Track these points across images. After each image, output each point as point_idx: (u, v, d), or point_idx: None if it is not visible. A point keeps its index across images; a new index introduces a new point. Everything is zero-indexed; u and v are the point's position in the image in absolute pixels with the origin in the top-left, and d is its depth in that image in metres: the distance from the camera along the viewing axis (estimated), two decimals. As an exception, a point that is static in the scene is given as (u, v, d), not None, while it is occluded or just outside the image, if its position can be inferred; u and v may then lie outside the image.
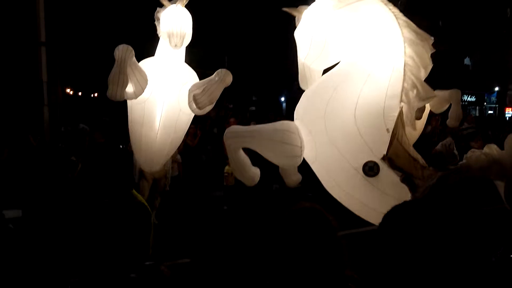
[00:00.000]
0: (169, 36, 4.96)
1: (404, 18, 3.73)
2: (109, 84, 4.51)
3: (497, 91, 25.52)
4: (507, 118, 21.64)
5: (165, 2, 5.02)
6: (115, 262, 1.72)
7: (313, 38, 3.83)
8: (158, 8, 5.19)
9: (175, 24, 4.97)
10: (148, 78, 4.79)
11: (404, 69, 3.60)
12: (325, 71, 4.05)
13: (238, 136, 3.85)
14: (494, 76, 24.64)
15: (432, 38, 3.72)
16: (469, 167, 3.20)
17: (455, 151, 3.91)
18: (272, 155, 3.80)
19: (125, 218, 2.61)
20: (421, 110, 3.91)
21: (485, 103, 27.28)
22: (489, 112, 26.20)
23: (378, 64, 3.67)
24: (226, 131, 3.90)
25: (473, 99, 26.49)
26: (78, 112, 13.07)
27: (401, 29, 3.68)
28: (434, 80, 4.37)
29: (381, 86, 3.60)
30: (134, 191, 2.97)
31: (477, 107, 26.83)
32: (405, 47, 3.65)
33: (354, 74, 3.70)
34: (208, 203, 9.07)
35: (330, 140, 3.59)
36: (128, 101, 5.06)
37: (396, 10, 3.76)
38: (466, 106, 24.97)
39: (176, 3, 5.03)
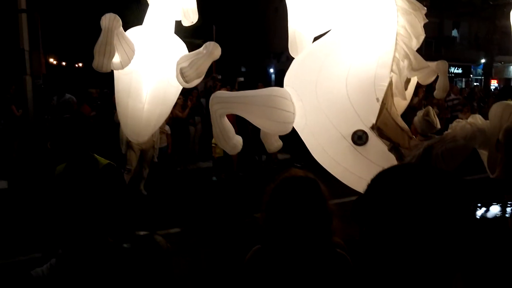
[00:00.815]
0: (185, 13, 4.92)
1: None
2: (95, 55, 4.40)
3: (483, 63, 25.67)
4: (492, 90, 21.85)
5: None
6: (102, 231, 1.70)
7: (304, 3, 3.79)
8: None
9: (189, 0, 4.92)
10: (136, 48, 4.71)
11: (396, 39, 3.58)
12: (315, 39, 4.03)
13: (225, 101, 3.76)
14: (480, 48, 24.73)
15: (425, 8, 3.70)
16: (454, 137, 3.25)
17: (434, 119, 3.97)
18: (262, 121, 3.76)
19: (92, 182, 2.63)
20: (407, 81, 3.92)
21: (471, 75, 27.45)
22: (475, 84, 26.39)
23: (370, 33, 3.64)
24: (212, 95, 3.80)
25: (460, 71, 26.63)
26: (63, 82, 12.79)
27: None
28: (421, 51, 4.38)
29: (372, 54, 3.58)
30: (96, 155, 3.01)
31: (463, 79, 26.99)
32: (398, 16, 3.62)
33: (346, 42, 3.67)
34: (197, 174, 9.13)
35: (321, 107, 3.57)
36: (114, 71, 4.98)
37: None
38: (452, 78, 25.12)
39: None
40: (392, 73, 3.53)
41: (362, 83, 3.53)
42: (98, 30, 4.41)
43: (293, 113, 3.65)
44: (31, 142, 8.54)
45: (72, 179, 2.84)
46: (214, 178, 8.53)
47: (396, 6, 3.63)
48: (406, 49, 3.55)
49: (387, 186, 0.90)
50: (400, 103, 3.98)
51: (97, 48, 4.38)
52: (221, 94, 3.86)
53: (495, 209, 1.65)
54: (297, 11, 3.89)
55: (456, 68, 25.98)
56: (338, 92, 3.53)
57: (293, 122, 3.68)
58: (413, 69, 3.55)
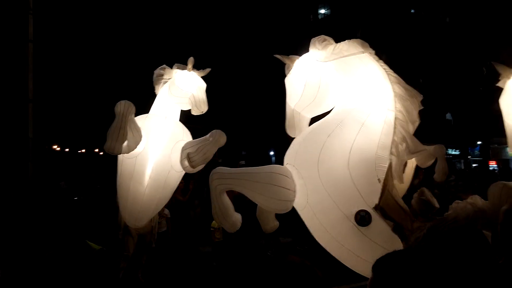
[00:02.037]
0: (196, 102, 5.18)
1: (395, 74, 3.91)
2: (108, 138, 4.58)
3: (480, 144, 26.13)
4: (494, 171, 21.95)
5: (189, 65, 5.29)
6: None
7: (306, 86, 3.98)
8: (164, 67, 5.40)
9: (199, 90, 5.23)
10: (143, 133, 4.88)
11: (395, 123, 3.72)
12: (313, 120, 4.15)
13: (225, 177, 3.78)
14: (475, 130, 25.32)
15: (421, 95, 3.88)
16: (456, 217, 3.23)
17: (430, 198, 4.00)
18: (262, 198, 3.74)
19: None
20: (405, 163, 3.98)
21: (469, 157, 27.77)
22: (474, 165, 26.60)
23: (371, 115, 3.79)
24: (212, 171, 3.81)
25: (458, 152, 27.01)
26: (63, 168, 12.95)
27: (391, 85, 3.84)
28: (418, 135, 4.53)
29: (373, 136, 3.69)
30: (88, 241, 2.96)
31: (462, 160, 27.26)
32: (395, 101, 3.79)
33: (349, 122, 3.79)
34: (197, 259, 8.84)
35: (323, 186, 3.58)
36: (119, 155, 5.09)
37: (387, 67, 3.94)
38: (451, 159, 25.39)
39: (189, 69, 5.29)
40: (391, 155, 3.60)
41: (364, 163, 3.59)
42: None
43: (294, 191, 3.66)
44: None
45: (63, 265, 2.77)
46: (214, 264, 8.25)
47: (393, 92, 3.82)
48: (404, 133, 3.67)
49: (390, 272, 0.89)
50: (401, 186, 4.00)
51: (111, 131, 4.58)
52: (222, 170, 3.87)
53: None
54: (295, 93, 4.07)
55: (454, 150, 26.39)
56: (341, 172, 3.57)
57: (293, 200, 3.68)
58: (410, 152, 3.64)
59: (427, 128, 7.07)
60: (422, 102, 3.88)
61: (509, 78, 4.24)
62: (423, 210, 3.90)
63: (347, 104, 3.95)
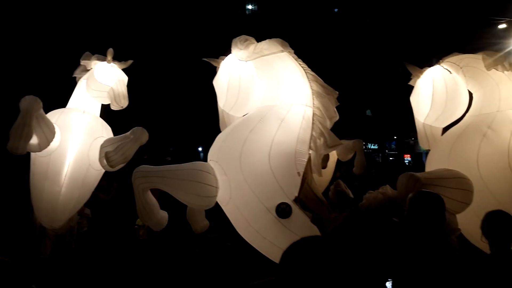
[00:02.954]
0: (115, 97, 4.87)
1: (312, 73, 4.10)
2: (10, 136, 4.21)
3: (396, 139, 28.00)
4: (407, 164, 23.63)
5: (108, 57, 4.98)
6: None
7: (229, 87, 4.11)
8: (87, 55, 5.08)
9: (119, 84, 4.93)
10: (57, 130, 4.57)
11: (313, 119, 3.89)
12: None
13: (148, 176, 3.73)
14: (392, 126, 27.08)
15: (337, 92, 4.07)
16: (369, 206, 3.49)
17: (344, 189, 4.29)
18: (185, 195, 3.75)
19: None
20: (326, 159, 4.18)
21: (386, 151, 29.65)
22: (391, 158, 28.44)
23: (291, 111, 3.92)
24: (135, 170, 3.76)
25: (376, 146, 28.72)
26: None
27: (309, 82, 4.02)
28: (341, 130, 4.75)
29: (293, 131, 3.81)
30: None
31: (380, 154, 29.03)
32: (313, 98, 3.97)
33: (269, 118, 3.90)
34: (121, 259, 8.53)
35: (245, 180, 3.66)
36: (31, 153, 4.71)
37: (305, 66, 4.12)
38: (371, 153, 26.93)
39: (108, 61, 4.99)
40: (310, 150, 3.77)
41: (285, 157, 3.70)
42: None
43: (216, 187, 3.71)
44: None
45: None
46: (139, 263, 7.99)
47: (311, 90, 4.00)
48: (321, 128, 3.85)
49: (299, 258, 0.93)
50: (323, 179, 4.19)
51: (14, 130, 4.21)
52: (144, 168, 3.82)
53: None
54: (222, 94, 4.15)
55: (373, 144, 28.02)
56: (262, 166, 3.66)
57: (215, 196, 3.73)
58: (328, 146, 3.80)
59: (349, 123, 7.44)
60: (340, 99, 4.07)
61: (418, 77, 4.59)
62: (340, 201, 4.11)
63: (268, 100, 4.07)
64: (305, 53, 4.49)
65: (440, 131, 4.64)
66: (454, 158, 4.13)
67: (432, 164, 4.35)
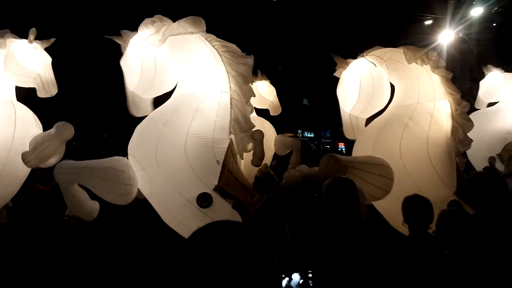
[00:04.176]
0: (43, 84, 4.47)
1: (228, 54, 3.95)
2: None
3: (330, 128, 28.98)
4: (341, 151, 24.54)
5: (31, 37, 4.49)
6: None
7: (143, 69, 3.86)
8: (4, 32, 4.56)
9: (45, 68, 4.54)
10: None
11: (231, 103, 3.88)
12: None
13: (68, 173, 3.68)
14: (327, 115, 27.95)
15: (252, 56, 3.97)
16: (288, 185, 3.62)
17: (269, 171, 4.45)
18: (102, 192, 3.74)
19: None
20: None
21: (322, 139, 30.60)
22: (326, 146, 29.40)
23: (205, 100, 3.86)
24: (56, 166, 3.71)
25: (312, 135, 29.55)
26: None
27: (224, 66, 3.94)
28: (279, 119, 4.80)
29: (209, 120, 3.79)
30: None
31: (316, 142, 29.92)
32: (229, 82, 3.92)
33: (183, 109, 3.84)
34: (50, 249, 8.12)
35: (163, 175, 3.64)
36: None
37: (219, 46, 3.95)
38: (307, 141, 27.67)
39: (30, 41, 4.52)
40: (231, 135, 3.79)
41: (201, 148, 3.69)
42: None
43: (131, 185, 3.69)
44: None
45: None
46: (68, 254, 7.67)
47: (226, 72, 3.93)
48: (238, 112, 3.87)
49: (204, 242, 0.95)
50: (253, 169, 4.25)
51: None
52: (64, 164, 3.76)
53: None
54: (133, 75, 3.96)
55: (309, 132, 28.81)
56: (178, 159, 3.64)
57: (132, 193, 3.72)
58: (242, 130, 3.83)
59: (286, 112, 7.60)
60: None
61: (344, 68, 4.72)
62: (266, 184, 4.24)
63: (182, 89, 3.99)
64: (242, 42, 4.40)
65: (364, 122, 4.82)
66: (378, 147, 4.35)
67: (358, 153, 4.56)
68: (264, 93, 7.02)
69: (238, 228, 1.01)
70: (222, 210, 3.57)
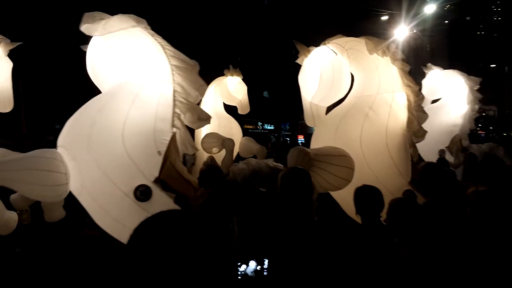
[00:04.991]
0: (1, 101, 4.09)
1: (172, 48, 3.91)
2: None
3: (290, 120, 29.29)
4: (300, 144, 24.87)
5: None
6: None
7: (88, 63, 3.88)
8: None
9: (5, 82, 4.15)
10: None
11: (174, 96, 3.75)
12: None
13: None
14: (287, 107, 28.20)
15: (198, 65, 3.94)
16: (234, 179, 3.55)
17: (216, 164, 4.46)
18: (31, 187, 3.27)
19: None
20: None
21: (282, 131, 30.87)
22: (286, 138, 29.69)
23: (146, 87, 3.72)
24: None
25: (272, 127, 29.76)
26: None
27: (168, 58, 3.85)
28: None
29: (150, 109, 3.63)
30: None
31: (276, 134, 30.16)
32: (173, 74, 3.81)
33: (121, 95, 3.67)
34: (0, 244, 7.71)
35: (97, 165, 3.35)
36: None
37: (163, 41, 3.92)
38: (267, 134, 27.83)
39: None
40: (174, 128, 3.64)
41: (141, 137, 3.49)
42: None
43: (65, 174, 3.33)
44: None
45: None
46: (17, 249, 7.29)
47: (169, 65, 3.83)
48: (186, 104, 3.74)
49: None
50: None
51: None
52: None
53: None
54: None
55: (269, 125, 28.98)
56: (115, 148, 3.39)
57: (67, 184, 3.35)
58: (193, 121, 3.77)
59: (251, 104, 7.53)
60: (202, 73, 3.98)
61: (306, 56, 4.72)
62: (212, 178, 4.18)
63: (119, 78, 3.84)
64: (202, 33, 4.32)
65: (325, 110, 4.84)
66: (339, 136, 4.39)
67: (318, 142, 4.57)
68: (234, 90, 6.80)
69: (186, 217, 1.00)
70: (162, 204, 3.37)
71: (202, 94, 3.93)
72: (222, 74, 7.01)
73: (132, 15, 3.78)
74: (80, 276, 3.80)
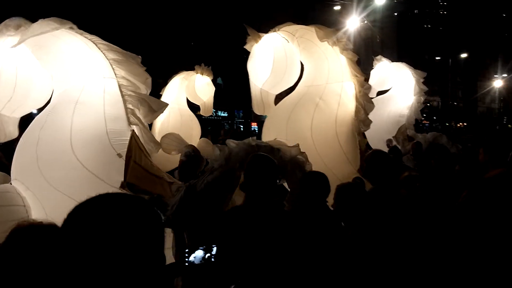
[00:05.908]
0: None
1: (104, 42, 3.66)
2: None
3: (243, 108, 29.26)
4: (254, 131, 24.93)
5: None
6: None
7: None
8: None
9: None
10: None
11: (121, 91, 3.54)
12: None
13: None
14: (241, 94, 28.13)
15: (139, 56, 3.77)
16: (212, 167, 3.38)
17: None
18: None
19: None
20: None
21: (236, 118, 30.79)
22: (240, 126, 29.67)
23: (85, 90, 3.49)
24: None
25: (226, 114, 29.60)
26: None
27: (103, 53, 3.61)
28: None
29: (95, 111, 3.42)
30: None
31: (229, 121, 30.05)
32: (113, 68, 3.59)
33: (60, 106, 3.45)
34: None
35: (53, 186, 3.15)
36: None
37: (94, 37, 3.65)
38: (220, 121, 27.69)
39: None
40: (132, 125, 3.44)
41: (94, 143, 3.30)
42: None
43: (25, 205, 3.14)
44: None
45: None
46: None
47: (107, 60, 3.58)
48: (138, 97, 3.53)
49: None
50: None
51: None
52: None
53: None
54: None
55: (223, 111, 28.81)
56: (67, 162, 3.20)
57: (28, 215, 3.14)
58: (150, 111, 3.57)
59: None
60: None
61: (256, 42, 4.64)
62: (192, 169, 4.05)
63: (57, 88, 3.59)
64: (154, 20, 4.10)
65: (274, 98, 4.82)
66: (291, 126, 4.41)
67: (270, 131, 4.57)
68: (200, 90, 6.52)
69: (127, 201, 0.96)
70: None
71: (149, 88, 3.71)
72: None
73: (54, 18, 3.38)
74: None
